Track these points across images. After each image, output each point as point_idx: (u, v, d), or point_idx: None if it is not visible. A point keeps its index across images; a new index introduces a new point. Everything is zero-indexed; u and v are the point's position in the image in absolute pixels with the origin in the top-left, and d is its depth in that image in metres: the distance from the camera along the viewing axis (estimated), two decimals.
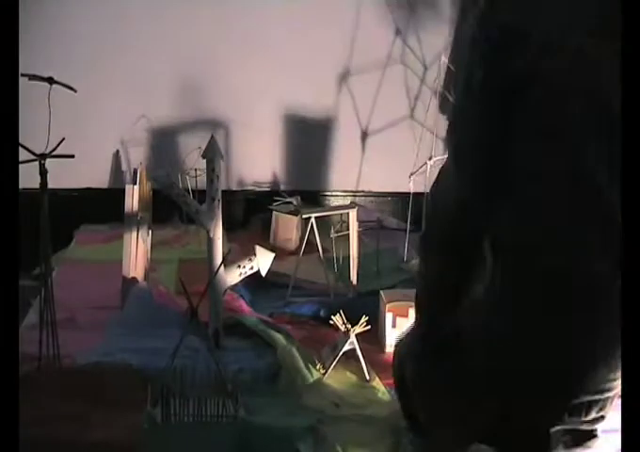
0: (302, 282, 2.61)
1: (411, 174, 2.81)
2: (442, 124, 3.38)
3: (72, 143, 1.82)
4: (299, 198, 3.24)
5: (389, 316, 2.17)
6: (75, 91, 1.93)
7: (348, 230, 2.57)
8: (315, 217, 2.49)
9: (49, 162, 1.82)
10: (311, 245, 2.54)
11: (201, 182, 2.75)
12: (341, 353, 1.99)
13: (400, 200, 3.44)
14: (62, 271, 2.56)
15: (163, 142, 3.35)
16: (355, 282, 2.58)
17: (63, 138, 1.80)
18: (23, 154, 1.69)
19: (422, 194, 2.88)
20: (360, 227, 2.61)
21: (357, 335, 2.00)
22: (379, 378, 2.02)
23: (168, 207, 2.50)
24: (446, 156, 1.42)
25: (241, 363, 1.90)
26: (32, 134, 1.80)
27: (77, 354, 1.96)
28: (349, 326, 2.00)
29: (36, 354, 1.87)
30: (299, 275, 2.53)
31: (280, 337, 2.07)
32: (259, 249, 2.09)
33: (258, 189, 3.44)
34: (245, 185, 3.45)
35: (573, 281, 1.24)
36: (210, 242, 2.05)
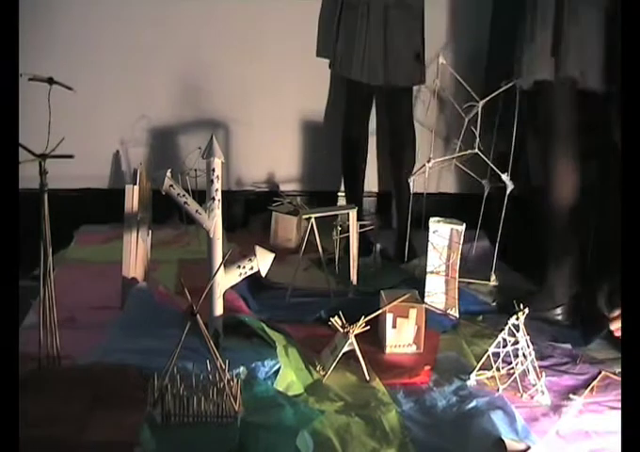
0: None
1: (411, 175, 2.81)
2: (442, 125, 3.39)
3: (72, 143, 1.82)
4: (299, 198, 3.24)
5: (389, 317, 2.17)
6: (75, 91, 1.93)
7: (348, 230, 2.57)
8: (315, 218, 2.49)
9: (49, 162, 1.82)
10: (311, 245, 2.54)
11: (201, 182, 2.75)
12: (340, 354, 1.99)
13: None
14: (62, 271, 2.56)
15: (163, 142, 3.34)
16: (355, 282, 2.58)
17: (63, 138, 1.80)
18: (23, 154, 1.69)
19: (421, 194, 2.89)
20: (359, 227, 2.61)
21: (357, 336, 1.99)
22: (379, 378, 2.01)
23: (168, 207, 2.50)
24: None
25: (241, 363, 1.90)
26: (32, 134, 1.81)
27: (77, 354, 1.96)
28: (348, 327, 2.00)
29: (36, 354, 1.87)
30: (299, 283, 2.53)
31: (280, 337, 2.07)
32: (259, 249, 2.09)
33: (258, 190, 3.44)
34: (245, 186, 3.44)
35: None
36: (210, 242, 2.05)
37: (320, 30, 2.92)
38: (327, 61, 3.14)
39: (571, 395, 1.94)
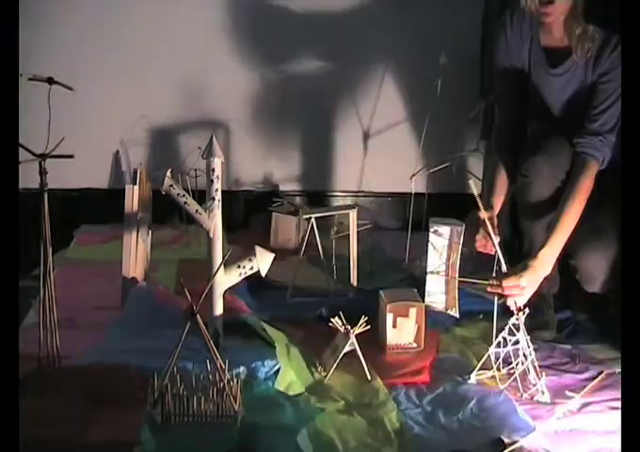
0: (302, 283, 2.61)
1: (412, 176, 2.81)
2: (443, 124, 3.39)
3: (72, 143, 1.82)
4: (298, 198, 3.24)
5: (389, 316, 2.17)
6: (74, 91, 1.93)
7: (348, 230, 2.57)
8: (315, 218, 2.49)
9: (49, 162, 1.82)
10: (311, 245, 2.54)
11: (201, 182, 2.75)
12: (341, 355, 1.99)
13: (401, 200, 3.44)
14: (62, 271, 2.56)
15: (163, 142, 3.35)
16: (355, 282, 2.58)
17: (63, 138, 1.80)
18: (23, 154, 1.69)
19: (422, 194, 2.89)
20: (359, 227, 2.61)
21: (357, 335, 1.99)
22: (380, 377, 2.01)
23: (168, 207, 2.50)
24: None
25: (241, 363, 1.90)
26: (32, 134, 1.81)
27: (77, 354, 1.96)
28: (349, 327, 2.00)
29: (36, 354, 1.87)
30: (299, 281, 2.53)
31: (280, 337, 2.07)
32: (259, 249, 2.09)
33: (258, 190, 3.44)
34: (244, 186, 3.45)
35: None
36: (210, 242, 2.05)
37: None
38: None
39: (571, 395, 1.94)
